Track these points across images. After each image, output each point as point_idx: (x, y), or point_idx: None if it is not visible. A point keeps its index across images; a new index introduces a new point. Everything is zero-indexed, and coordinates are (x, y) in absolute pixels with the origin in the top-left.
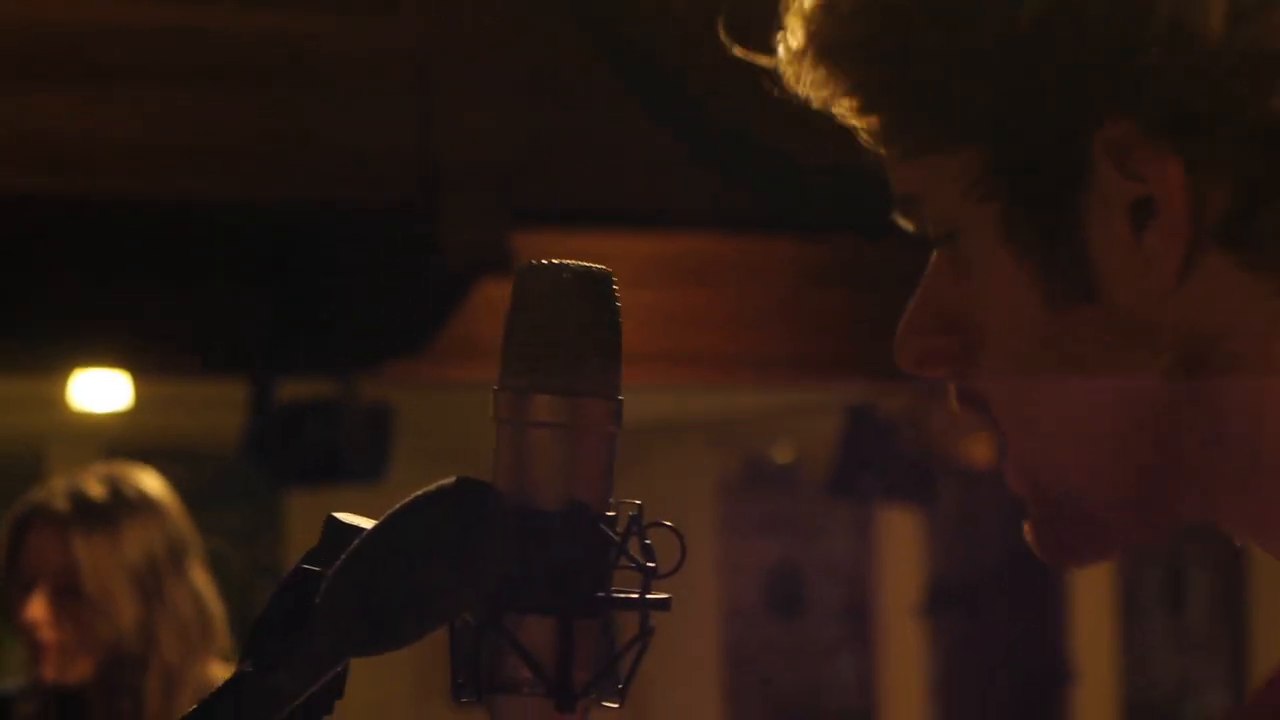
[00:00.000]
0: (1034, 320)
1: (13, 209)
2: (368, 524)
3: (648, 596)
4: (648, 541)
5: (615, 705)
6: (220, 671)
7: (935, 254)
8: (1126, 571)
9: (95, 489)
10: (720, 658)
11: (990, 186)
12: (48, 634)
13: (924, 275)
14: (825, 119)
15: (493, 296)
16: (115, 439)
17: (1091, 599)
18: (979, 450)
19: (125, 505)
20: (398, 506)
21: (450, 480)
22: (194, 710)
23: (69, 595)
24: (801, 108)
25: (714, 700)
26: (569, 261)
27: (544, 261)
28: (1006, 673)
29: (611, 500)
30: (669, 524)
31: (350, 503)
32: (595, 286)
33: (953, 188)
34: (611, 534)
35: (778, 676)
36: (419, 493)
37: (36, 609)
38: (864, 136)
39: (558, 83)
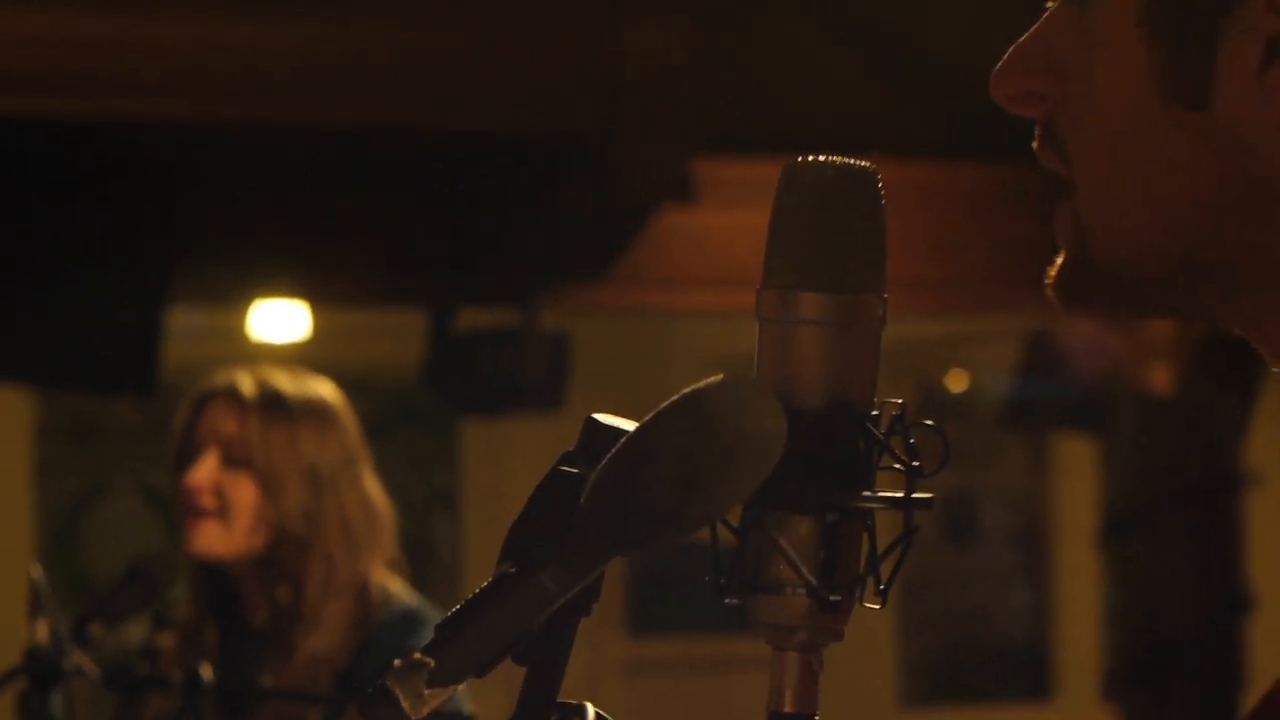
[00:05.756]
0: (1141, 106)
1: (192, 137)
2: (627, 424)
3: (912, 496)
4: (912, 440)
5: (877, 606)
6: (383, 576)
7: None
8: None
9: (282, 383)
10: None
11: None
12: (207, 501)
13: (1043, 17)
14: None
15: (672, 224)
16: (294, 370)
17: (1271, 526)
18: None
19: (307, 406)
20: (665, 404)
21: (718, 377)
22: (459, 609)
23: (238, 465)
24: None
25: (888, 626)
26: (834, 158)
27: (809, 159)
28: (1183, 601)
29: (875, 399)
30: (931, 422)
31: (529, 431)
32: (860, 183)
33: None
34: (876, 432)
35: (951, 604)
36: (687, 390)
37: (202, 472)
38: None
39: (739, 8)
